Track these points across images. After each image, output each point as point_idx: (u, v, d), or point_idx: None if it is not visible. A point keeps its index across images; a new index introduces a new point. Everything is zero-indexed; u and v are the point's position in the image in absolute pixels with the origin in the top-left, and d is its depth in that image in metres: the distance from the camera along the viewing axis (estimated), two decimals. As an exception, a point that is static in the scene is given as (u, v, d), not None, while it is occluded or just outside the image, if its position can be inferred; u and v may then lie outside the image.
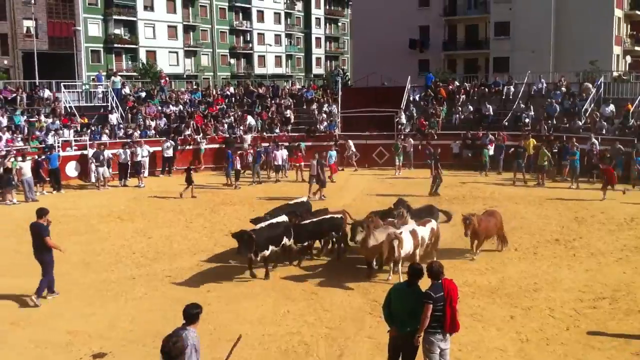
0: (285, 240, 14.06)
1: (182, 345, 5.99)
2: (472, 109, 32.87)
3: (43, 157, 25.20)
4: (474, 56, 54.74)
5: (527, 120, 30.64)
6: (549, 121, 29.91)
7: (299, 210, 15.81)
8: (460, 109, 33.07)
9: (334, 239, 15.41)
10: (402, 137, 30.48)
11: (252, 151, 28.53)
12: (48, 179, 25.26)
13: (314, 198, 21.99)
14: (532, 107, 31.31)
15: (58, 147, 26.67)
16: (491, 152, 28.54)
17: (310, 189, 23.30)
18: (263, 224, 13.78)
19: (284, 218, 14.39)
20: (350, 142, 30.50)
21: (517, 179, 26.06)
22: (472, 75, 42.02)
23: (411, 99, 34.45)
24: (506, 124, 31.12)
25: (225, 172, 27.01)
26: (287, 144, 29.72)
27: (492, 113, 32.27)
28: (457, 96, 34.17)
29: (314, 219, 15.06)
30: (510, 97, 33.35)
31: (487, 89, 34.79)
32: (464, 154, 29.77)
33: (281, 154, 28.20)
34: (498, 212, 15.79)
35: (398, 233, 12.91)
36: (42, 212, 12.62)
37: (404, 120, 32.02)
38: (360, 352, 9.97)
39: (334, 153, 27.80)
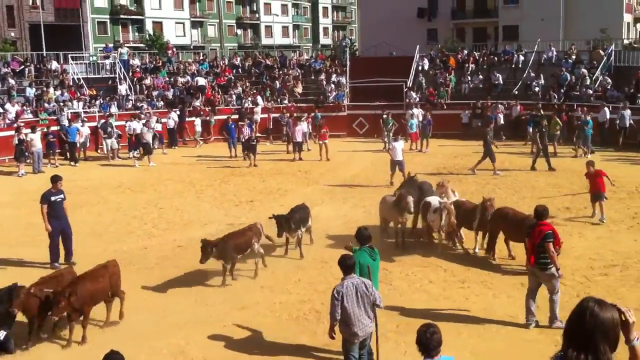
0: None
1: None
2: (481, 78, 32.65)
3: (59, 129, 25.37)
4: (483, 25, 54.14)
5: (537, 89, 30.35)
6: (560, 90, 29.58)
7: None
8: (469, 78, 32.83)
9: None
10: (412, 108, 30.07)
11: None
12: (59, 150, 25.46)
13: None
14: (542, 75, 30.97)
15: (82, 120, 26.52)
16: (501, 122, 28.40)
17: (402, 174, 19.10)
18: None
19: None
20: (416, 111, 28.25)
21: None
22: (482, 44, 41.55)
23: (420, 68, 34.16)
24: (516, 92, 30.86)
25: (228, 143, 26.25)
26: (305, 115, 28.29)
27: (501, 82, 32.01)
28: (467, 65, 33.89)
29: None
30: (520, 65, 32.98)
31: (496, 58, 34.47)
32: (474, 124, 29.58)
33: (301, 129, 25.67)
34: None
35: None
36: (54, 179, 12.77)
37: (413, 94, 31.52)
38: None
39: (415, 122, 26.94)
